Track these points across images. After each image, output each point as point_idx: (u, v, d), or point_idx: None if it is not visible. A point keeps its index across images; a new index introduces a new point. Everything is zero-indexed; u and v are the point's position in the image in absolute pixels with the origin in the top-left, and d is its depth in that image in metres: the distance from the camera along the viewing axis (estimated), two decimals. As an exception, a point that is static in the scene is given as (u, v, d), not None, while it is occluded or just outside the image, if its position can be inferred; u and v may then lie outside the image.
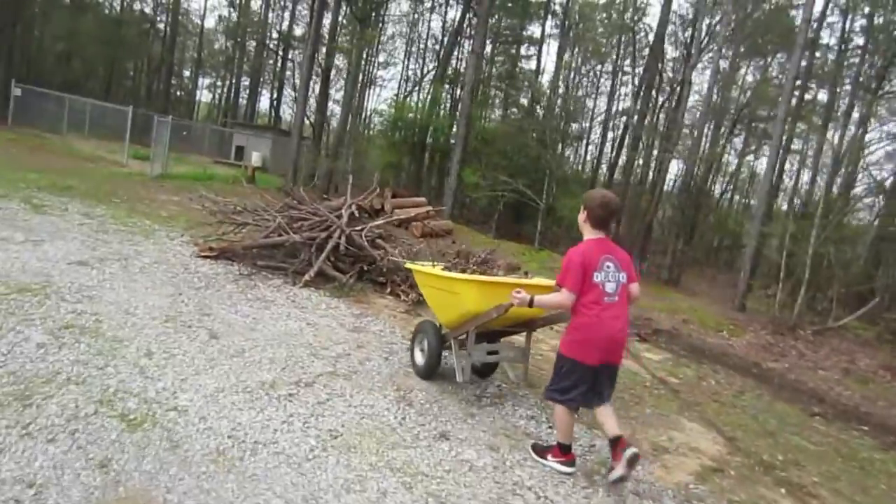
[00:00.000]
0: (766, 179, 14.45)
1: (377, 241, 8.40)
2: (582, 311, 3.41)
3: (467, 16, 22.69)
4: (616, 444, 3.33)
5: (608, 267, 3.42)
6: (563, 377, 3.49)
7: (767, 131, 25.53)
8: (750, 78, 26.59)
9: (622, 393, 5.26)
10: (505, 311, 3.83)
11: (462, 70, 25.47)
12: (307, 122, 20.80)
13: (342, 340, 5.26)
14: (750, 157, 31.75)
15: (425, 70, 28.74)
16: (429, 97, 21.40)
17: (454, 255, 5.83)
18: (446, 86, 22.72)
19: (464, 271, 4.70)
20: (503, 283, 4.17)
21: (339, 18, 22.12)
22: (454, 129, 20.71)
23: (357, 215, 8.52)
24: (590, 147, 25.76)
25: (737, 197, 36.16)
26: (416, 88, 26.27)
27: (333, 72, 24.11)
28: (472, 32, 20.40)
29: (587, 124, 23.24)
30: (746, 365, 7.39)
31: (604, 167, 25.90)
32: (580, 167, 24.06)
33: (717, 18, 20.35)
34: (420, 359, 4.70)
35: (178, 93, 41.79)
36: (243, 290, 6.38)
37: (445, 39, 27.23)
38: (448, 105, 22.78)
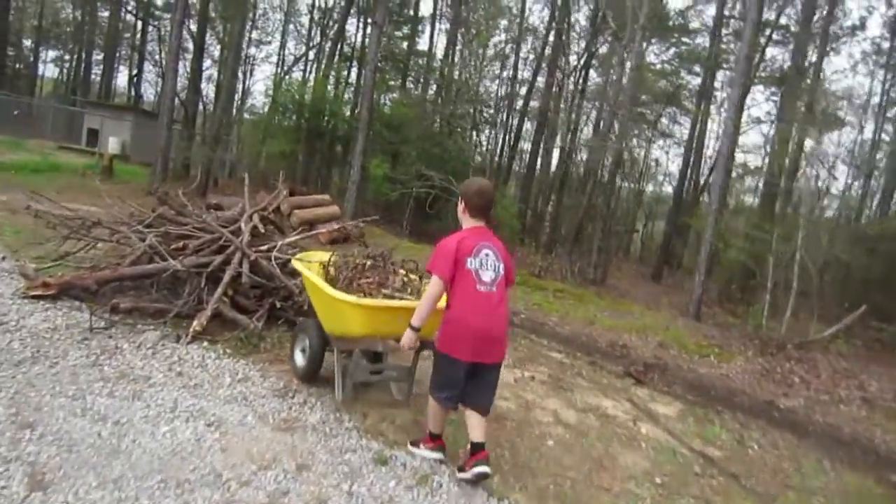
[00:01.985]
0: (721, 163, 13.30)
1: (292, 264, 6.34)
2: (453, 301, 3.30)
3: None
4: (477, 450, 3.29)
5: (486, 255, 3.32)
6: (438, 373, 3.41)
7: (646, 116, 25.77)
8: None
9: (665, 480, 3.79)
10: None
11: (355, 47, 23.23)
12: (177, 101, 17.67)
13: (270, 458, 3.33)
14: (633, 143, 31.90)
15: (313, 45, 25.96)
16: (320, 76, 18.97)
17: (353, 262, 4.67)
18: (337, 63, 20.36)
19: (358, 277, 4.43)
20: (394, 308, 3.88)
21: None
22: (355, 115, 18.56)
23: (261, 229, 6.39)
24: (499, 136, 24.56)
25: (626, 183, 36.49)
26: (308, 66, 23.55)
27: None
28: (371, 2, 18.25)
29: (493, 111, 21.90)
30: (761, 406, 6.37)
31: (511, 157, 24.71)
32: (494, 156, 22.76)
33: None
34: (300, 360, 4.53)
35: (17, 65, 35.66)
36: (97, 361, 4.21)
37: (334, 13, 24.72)
38: (342, 87, 20.47)
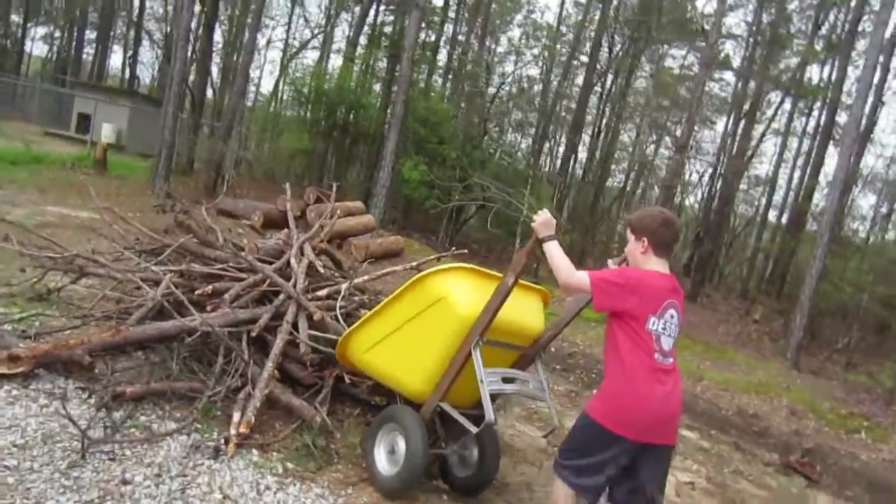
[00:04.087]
0: (836, 186, 11.45)
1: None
2: (622, 369, 2.60)
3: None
4: None
5: (671, 316, 2.66)
6: (583, 447, 2.67)
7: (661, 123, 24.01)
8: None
9: None
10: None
11: (378, 32, 21.51)
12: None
13: None
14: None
15: (319, 31, 24.07)
16: (346, 63, 17.27)
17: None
18: (365, 49, 18.65)
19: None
20: (493, 276, 3.31)
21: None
22: (386, 109, 16.91)
23: (319, 266, 4.76)
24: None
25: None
26: (324, 53, 21.79)
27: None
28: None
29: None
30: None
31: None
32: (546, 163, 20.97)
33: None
34: (388, 466, 3.37)
35: (4, 42, 33.95)
36: (94, 492, 2.59)
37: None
38: (369, 77, 18.74)
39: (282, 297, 4.33)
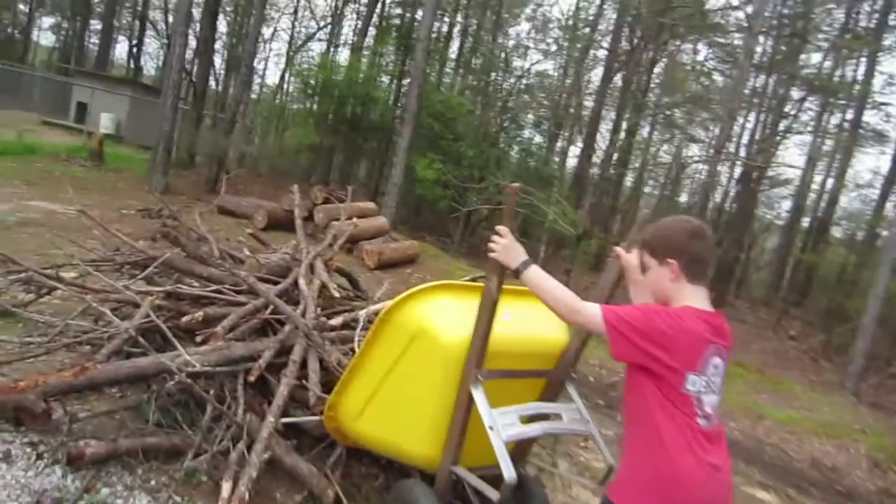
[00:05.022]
0: None
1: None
2: (657, 440, 1.90)
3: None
4: None
5: (714, 368, 1.94)
6: None
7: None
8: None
9: None
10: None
11: (387, 23, 20.63)
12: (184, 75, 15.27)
13: None
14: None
15: (325, 23, 23.14)
16: (356, 53, 16.42)
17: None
18: (376, 39, 17.81)
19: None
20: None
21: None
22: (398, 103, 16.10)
23: (333, 289, 3.97)
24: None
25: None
26: (333, 44, 20.91)
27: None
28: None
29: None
30: None
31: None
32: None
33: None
34: None
35: (12, 30, 33.31)
36: None
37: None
38: (377, 69, 17.90)
39: (288, 328, 3.55)
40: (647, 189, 28.22)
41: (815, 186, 23.39)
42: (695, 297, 2.00)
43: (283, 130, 17.04)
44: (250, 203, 10.89)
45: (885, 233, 18.88)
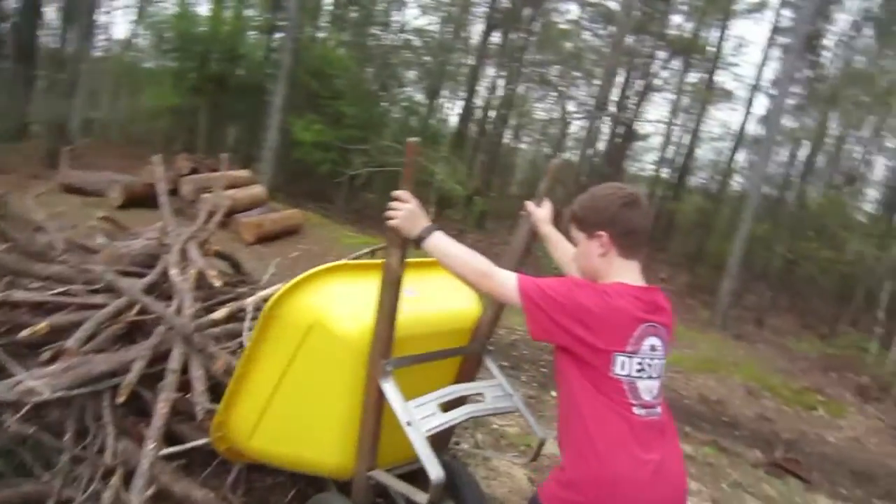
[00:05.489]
0: (767, 144, 10.87)
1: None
2: (587, 437, 1.68)
3: None
4: None
5: (650, 348, 1.72)
6: None
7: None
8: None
9: None
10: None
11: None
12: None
13: None
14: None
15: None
16: (226, 5, 14.85)
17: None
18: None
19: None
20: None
21: None
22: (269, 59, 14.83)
23: (214, 278, 3.40)
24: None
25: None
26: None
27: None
28: None
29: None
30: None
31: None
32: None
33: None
34: None
35: None
36: None
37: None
38: (244, 20, 16.39)
39: (161, 329, 2.97)
40: (523, 146, 28.84)
41: (674, 139, 25.01)
42: (627, 273, 1.80)
43: (136, 92, 15.29)
44: (102, 178, 9.57)
45: (738, 181, 20.72)
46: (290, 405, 2.29)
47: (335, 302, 2.18)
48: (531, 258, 4.20)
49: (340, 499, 2.38)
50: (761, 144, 12.16)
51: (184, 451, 2.86)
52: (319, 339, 2.15)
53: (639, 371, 1.71)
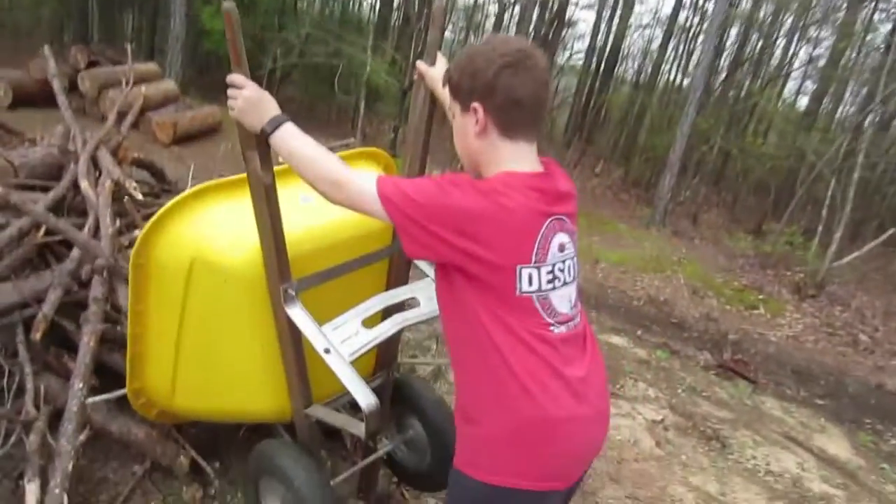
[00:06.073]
0: (711, 36, 10.65)
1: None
2: (508, 375, 1.33)
3: None
4: None
5: (559, 248, 1.37)
6: None
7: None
8: None
9: None
10: None
11: None
12: None
13: None
14: None
15: None
16: None
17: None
18: None
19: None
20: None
21: None
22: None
23: (133, 190, 3.00)
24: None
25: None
26: None
27: None
28: None
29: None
30: (888, 401, 5.30)
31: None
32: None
33: None
34: None
35: None
36: None
37: None
38: None
39: (75, 253, 2.62)
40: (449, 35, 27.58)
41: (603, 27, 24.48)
42: (515, 158, 1.40)
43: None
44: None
45: (677, 77, 20.49)
46: (200, 356, 2.04)
47: (211, 230, 1.85)
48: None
49: (279, 443, 2.13)
50: (707, 35, 11.89)
51: (117, 382, 2.62)
52: (205, 277, 1.86)
53: (550, 282, 1.37)
